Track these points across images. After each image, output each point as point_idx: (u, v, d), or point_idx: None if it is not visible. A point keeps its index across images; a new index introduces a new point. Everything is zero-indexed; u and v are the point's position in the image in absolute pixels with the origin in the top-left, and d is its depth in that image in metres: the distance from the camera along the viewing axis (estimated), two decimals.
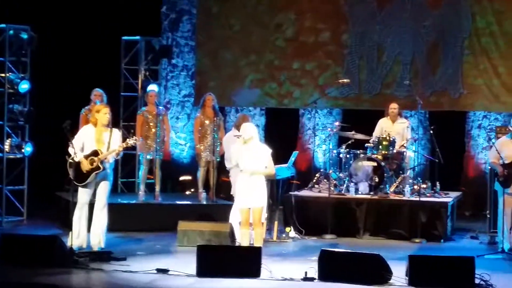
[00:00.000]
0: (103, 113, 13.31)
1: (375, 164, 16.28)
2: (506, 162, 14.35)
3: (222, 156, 15.96)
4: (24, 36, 16.87)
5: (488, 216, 15.81)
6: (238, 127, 14.88)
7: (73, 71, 18.37)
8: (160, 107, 17.19)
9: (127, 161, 18.06)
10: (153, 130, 16.61)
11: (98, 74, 17.81)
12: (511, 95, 18.75)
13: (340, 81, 18.23)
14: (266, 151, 13.12)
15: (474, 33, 18.97)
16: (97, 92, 16.27)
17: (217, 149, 16.54)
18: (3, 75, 16.77)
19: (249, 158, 12.98)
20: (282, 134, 19.26)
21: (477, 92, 19.01)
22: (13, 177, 16.86)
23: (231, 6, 19.82)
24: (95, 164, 13.10)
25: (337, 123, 17.74)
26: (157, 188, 16.87)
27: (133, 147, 15.30)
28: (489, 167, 15.72)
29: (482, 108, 19.21)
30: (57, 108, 16.07)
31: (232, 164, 14.13)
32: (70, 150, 13.08)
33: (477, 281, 11.59)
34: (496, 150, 14.52)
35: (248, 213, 13.09)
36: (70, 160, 13.12)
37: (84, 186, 13.20)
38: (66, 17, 18.79)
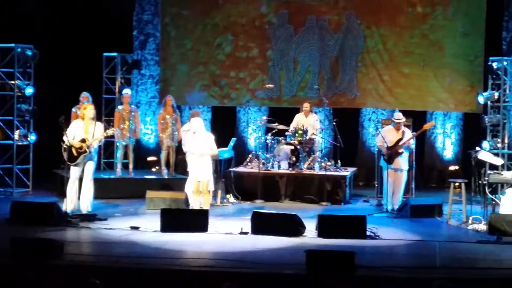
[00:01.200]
0: (89, 110, 13.36)
1: (292, 147, 16.30)
2: (389, 145, 14.48)
3: (180, 142, 15.92)
4: (29, 52, 16.69)
5: (376, 185, 15.96)
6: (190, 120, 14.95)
7: (66, 79, 18.16)
8: (133, 106, 17.12)
9: (107, 146, 17.89)
10: (127, 123, 16.54)
11: (85, 81, 17.59)
12: (392, 96, 18.85)
13: (266, 86, 18.23)
14: (210, 138, 13.15)
15: (366, 50, 19.03)
16: (85, 94, 16.16)
17: (175, 137, 16.50)
18: (13, 82, 16.57)
19: (197, 144, 13.00)
20: (224, 125, 19.21)
21: (368, 94, 19.09)
22: (21, 159, 16.69)
23: (185, 30, 19.66)
24: (83, 149, 13.03)
25: (264, 117, 17.72)
26: (131, 166, 16.79)
27: (112, 136, 15.20)
28: (377, 149, 15.84)
29: (372, 106, 19.31)
30: (54, 107, 15.86)
31: (186, 149, 14.17)
32: (64, 138, 12.99)
33: (368, 233, 11.70)
34: (382, 136, 14.65)
35: (198, 185, 13.08)
36: (64, 146, 13.05)
37: (75, 165, 13.15)
38: (61, 39, 18.59)
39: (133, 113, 16.68)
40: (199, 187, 13.09)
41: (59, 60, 18.44)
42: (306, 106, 16.95)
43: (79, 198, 13.31)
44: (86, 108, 13.37)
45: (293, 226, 11.76)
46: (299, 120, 16.84)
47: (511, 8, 18.62)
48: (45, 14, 18.77)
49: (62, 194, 13.56)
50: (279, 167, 16.24)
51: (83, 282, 7.93)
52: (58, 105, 16.05)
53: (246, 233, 11.82)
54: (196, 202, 13.12)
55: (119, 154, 16.78)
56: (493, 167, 14.53)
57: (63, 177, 13.59)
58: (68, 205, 13.00)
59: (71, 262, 9.66)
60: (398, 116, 14.79)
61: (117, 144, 16.90)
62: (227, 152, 15.40)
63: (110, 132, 13.55)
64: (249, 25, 19.46)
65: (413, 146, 15.11)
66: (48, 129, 15.42)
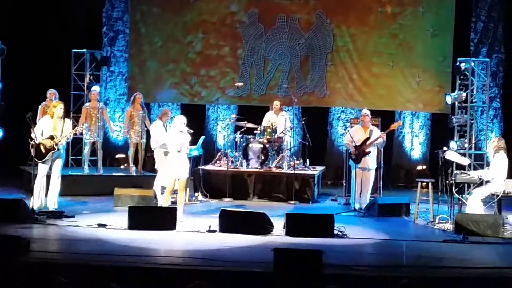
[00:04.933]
0: (59, 108, 13.25)
1: (261, 146, 16.31)
2: (357, 144, 14.55)
3: (148, 139, 15.83)
4: None
5: (344, 184, 16.01)
6: (161, 118, 14.96)
7: (34, 75, 18.07)
8: (101, 103, 16.98)
9: (75, 143, 17.74)
10: (94, 120, 16.43)
11: (54, 77, 17.52)
12: (361, 96, 18.91)
13: (236, 84, 18.21)
14: (188, 137, 13.08)
15: (335, 49, 19.08)
16: (52, 91, 16.09)
17: (144, 134, 16.40)
18: None
19: (181, 142, 12.90)
20: (193, 123, 19.07)
21: (336, 93, 19.15)
22: None
23: (155, 28, 19.60)
24: (51, 145, 12.95)
25: (233, 116, 17.74)
26: (99, 163, 16.66)
27: (81, 133, 15.10)
28: (345, 148, 15.90)
29: (340, 105, 19.38)
30: (22, 102, 15.76)
31: (157, 145, 14.17)
32: (32, 135, 12.88)
33: (336, 231, 11.73)
34: (350, 135, 14.73)
35: (174, 182, 12.95)
36: (32, 142, 12.94)
37: (43, 162, 13.04)
38: (29, 34, 18.50)
39: (101, 110, 16.58)
40: (174, 185, 12.98)
41: (27, 56, 18.31)
42: (276, 104, 17.00)
43: (46, 195, 13.24)
44: (55, 106, 13.24)
45: (261, 225, 11.77)
46: (269, 118, 16.88)
47: (479, 9, 18.78)
48: (14, 9, 18.61)
49: (29, 191, 13.47)
50: (247, 165, 16.24)
51: (49, 279, 7.89)
52: (26, 101, 15.94)
53: (214, 231, 11.81)
54: (167, 200, 13.03)
55: (86, 151, 16.66)
56: (460, 167, 14.63)
57: (30, 173, 13.49)
58: (35, 202, 12.92)
59: (37, 259, 9.57)
60: (365, 111, 15.01)
61: (85, 141, 16.75)
62: (196, 150, 15.36)
63: (79, 129, 13.54)
64: (220, 24, 19.46)
65: (384, 143, 15.11)
66: (15, 125, 15.29)
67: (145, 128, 16.35)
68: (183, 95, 19.67)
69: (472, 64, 17.09)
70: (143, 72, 19.70)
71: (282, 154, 16.42)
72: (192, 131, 13.50)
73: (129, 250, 10.35)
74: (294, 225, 11.73)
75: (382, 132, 14.91)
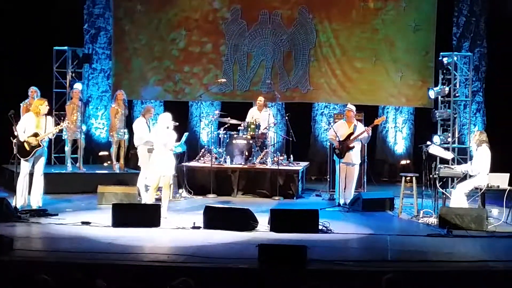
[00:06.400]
0: (45, 106, 13.16)
1: (245, 142, 16.29)
2: (341, 139, 14.56)
3: (131, 136, 15.79)
4: None
5: (328, 179, 16.03)
6: (144, 115, 14.94)
7: (16, 72, 17.96)
8: (80, 102, 16.90)
9: (58, 141, 17.66)
10: (75, 118, 16.40)
11: (35, 74, 17.42)
12: (344, 91, 18.93)
13: (219, 80, 18.18)
14: (174, 134, 13.06)
15: (318, 45, 19.08)
16: (33, 89, 15.99)
17: (126, 130, 16.37)
18: None
19: (167, 138, 12.87)
20: (176, 120, 19.01)
21: (320, 88, 19.15)
22: None
23: (139, 25, 19.50)
24: (35, 143, 12.88)
25: (217, 112, 17.73)
26: (80, 161, 16.62)
27: (62, 131, 15.03)
28: (329, 143, 15.90)
29: (324, 100, 19.38)
30: (3, 100, 15.66)
31: (140, 142, 14.12)
32: (15, 133, 12.81)
33: (320, 227, 11.73)
34: (334, 130, 14.72)
35: (159, 179, 12.89)
36: (15, 140, 12.87)
37: (26, 160, 12.97)
38: (10, 32, 18.38)
39: (80, 108, 16.56)
40: (159, 182, 12.92)
41: (8, 54, 18.19)
42: (260, 100, 16.96)
43: (29, 193, 13.17)
44: (42, 104, 13.14)
45: (245, 221, 11.75)
46: (253, 114, 16.85)
47: (461, 3, 18.84)
48: None
49: (12, 189, 13.40)
50: (231, 161, 16.21)
51: (33, 278, 7.83)
52: (7, 99, 15.83)
53: (198, 227, 11.78)
54: (152, 197, 12.97)
55: (67, 148, 16.62)
56: (443, 161, 14.65)
57: (13, 172, 13.42)
58: (18, 200, 12.86)
59: (21, 257, 9.54)
60: (350, 106, 15.04)
61: (65, 139, 16.71)
62: (179, 147, 15.32)
63: (64, 125, 13.52)
64: (203, 20, 19.42)
65: (368, 138, 15.08)
66: None
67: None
68: (167, 92, 19.62)
69: (455, 58, 17.12)
70: (127, 69, 19.61)
71: (266, 150, 16.40)
72: (177, 123, 13.49)
73: (113, 247, 10.30)
74: (278, 221, 11.71)
75: (367, 127, 14.89)
